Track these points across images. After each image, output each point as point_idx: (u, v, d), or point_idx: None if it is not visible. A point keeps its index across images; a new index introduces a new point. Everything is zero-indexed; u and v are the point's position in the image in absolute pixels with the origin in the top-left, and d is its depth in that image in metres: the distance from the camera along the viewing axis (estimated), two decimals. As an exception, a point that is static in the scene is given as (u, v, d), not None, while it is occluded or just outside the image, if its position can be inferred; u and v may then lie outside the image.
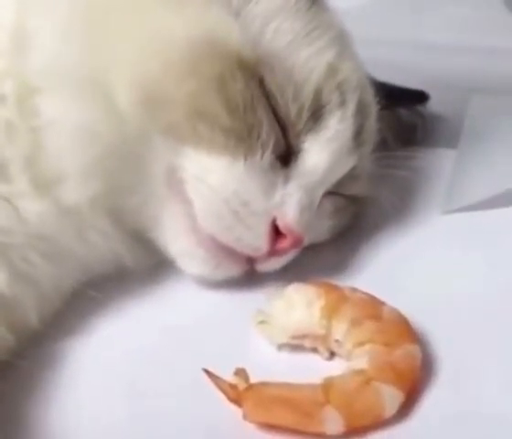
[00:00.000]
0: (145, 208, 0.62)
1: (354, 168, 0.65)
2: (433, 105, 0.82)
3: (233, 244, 0.61)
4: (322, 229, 0.67)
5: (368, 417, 0.53)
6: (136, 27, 0.58)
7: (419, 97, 0.81)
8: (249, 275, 0.64)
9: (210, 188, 0.59)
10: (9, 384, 0.55)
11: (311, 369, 0.57)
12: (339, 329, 0.58)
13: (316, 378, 0.55)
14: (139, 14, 0.58)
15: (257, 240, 0.61)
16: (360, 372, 0.55)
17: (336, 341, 0.58)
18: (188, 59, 0.58)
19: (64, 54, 0.57)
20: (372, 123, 0.67)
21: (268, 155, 0.60)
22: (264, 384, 0.55)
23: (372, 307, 0.59)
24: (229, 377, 0.55)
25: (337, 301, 0.59)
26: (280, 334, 0.59)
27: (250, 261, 0.63)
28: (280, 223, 0.61)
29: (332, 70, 0.62)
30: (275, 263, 0.63)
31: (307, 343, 0.59)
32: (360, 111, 0.64)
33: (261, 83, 0.60)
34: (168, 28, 0.58)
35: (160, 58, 0.58)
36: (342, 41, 0.66)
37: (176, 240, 0.62)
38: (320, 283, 0.61)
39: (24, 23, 0.58)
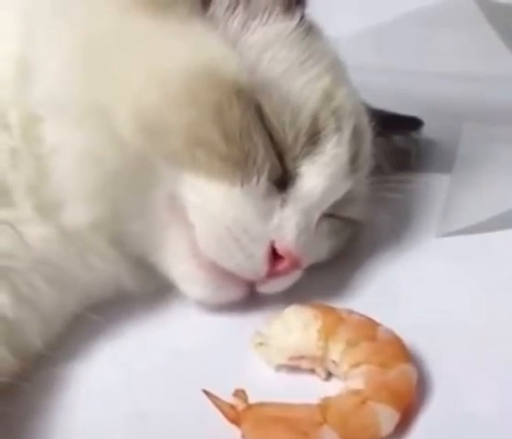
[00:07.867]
0: (147, 233, 0.62)
1: (350, 192, 0.66)
2: (427, 131, 0.83)
3: (233, 269, 0.62)
4: (320, 250, 0.67)
5: (365, 436, 0.54)
6: (137, 58, 0.59)
7: (413, 123, 0.82)
8: (248, 298, 0.64)
9: (212, 217, 0.60)
10: (12, 407, 0.56)
11: (308, 390, 0.58)
12: (336, 350, 0.58)
13: (313, 398, 0.55)
14: (139, 45, 0.59)
15: (256, 265, 0.61)
16: (356, 392, 0.55)
17: (333, 362, 0.59)
18: (187, 89, 0.59)
19: (67, 84, 0.58)
20: (367, 148, 0.68)
21: (264, 181, 0.61)
22: (263, 404, 0.55)
23: (368, 328, 0.59)
24: (228, 397, 0.55)
25: (334, 323, 0.60)
26: (278, 355, 0.60)
27: (251, 284, 0.64)
28: (278, 246, 0.61)
29: (327, 97, 0.64)
30: (276, 286, 0.64)
31: (304, 364, 0.60)
32: (356, 136, 0.65)
33: (258, 110, 0.61)
34: (168, 59, 0.59)
35: (160, 88, 0.59)
36: (337, 68, 0.67)
37: (177, 264, 0.63)
38: (317, 305, 0.62)
39: (28, 54, 0.59)
